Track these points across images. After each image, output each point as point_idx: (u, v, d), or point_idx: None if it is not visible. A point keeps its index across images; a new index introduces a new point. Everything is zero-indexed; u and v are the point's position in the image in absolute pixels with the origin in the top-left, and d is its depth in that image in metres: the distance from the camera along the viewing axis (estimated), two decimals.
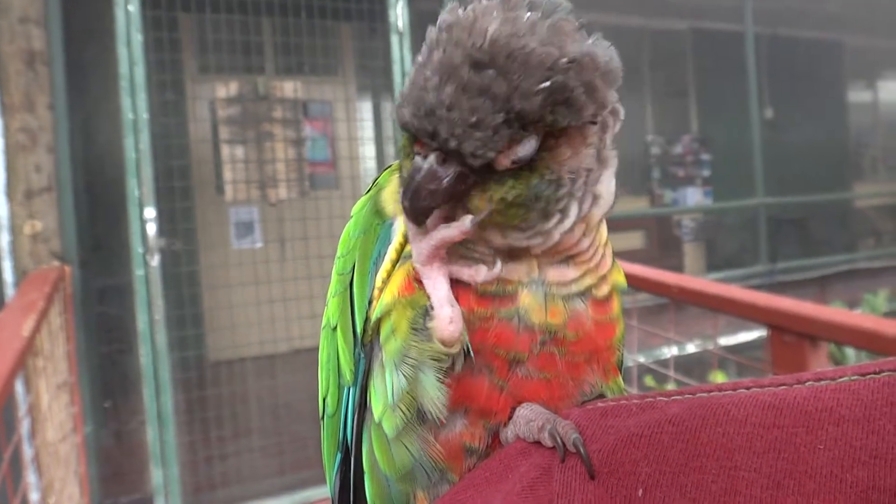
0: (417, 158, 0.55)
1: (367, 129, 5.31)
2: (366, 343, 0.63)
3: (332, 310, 0.68)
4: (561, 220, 0.56)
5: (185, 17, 4.63)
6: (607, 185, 0.60)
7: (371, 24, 4.48)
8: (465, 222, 0.55)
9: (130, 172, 3.49)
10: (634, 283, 2.81)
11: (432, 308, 0.57)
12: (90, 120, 4.33)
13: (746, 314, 2.34)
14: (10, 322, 2.45)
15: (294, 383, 4.67)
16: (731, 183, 8.02)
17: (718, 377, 4.55)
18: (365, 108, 5.67)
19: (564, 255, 0.60)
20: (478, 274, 0.57)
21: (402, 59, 4.14)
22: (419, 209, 0.55)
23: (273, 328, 4.34)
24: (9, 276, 3.46)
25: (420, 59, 0.55)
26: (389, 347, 0.59)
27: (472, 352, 0.57)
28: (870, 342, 1.89)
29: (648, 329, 3.07)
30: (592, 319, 0.60)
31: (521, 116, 0.51)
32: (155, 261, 3.58)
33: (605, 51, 0.54)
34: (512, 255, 0.58)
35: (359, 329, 0.64)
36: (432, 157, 0.54)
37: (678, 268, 7.74)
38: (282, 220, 4.58)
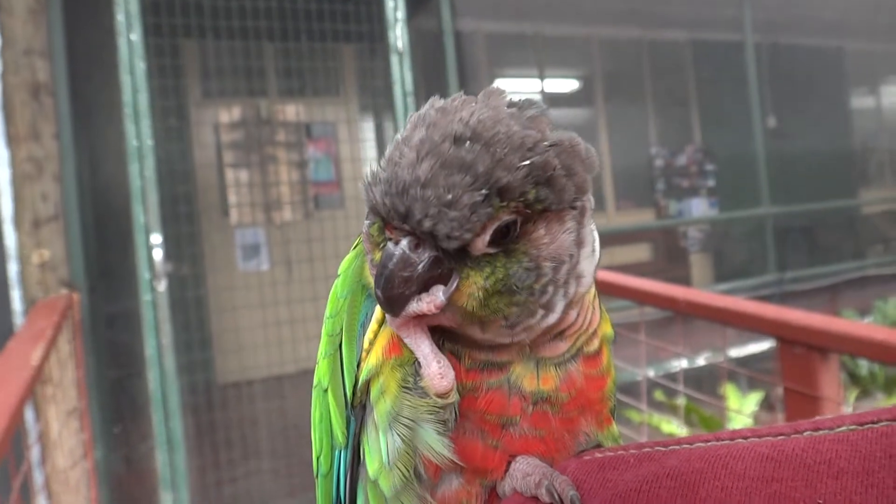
0: (389, 245, 0.53)
1: (369, 149, 5.34)
2: (355, 405, 0.62)
3: (322, 371, 0.68)
4: (545, 316, 0.55)
5: (187, 44, 4.68)
6: (588, 263, 0.58)
7: (371, 45, 4.51)
8: (438, 295, 0.53)
9: (136, 199, 3.51)
10: (642, 297, 2.80)
11: (419, 366, 0.56)
12: (95, 148, 4.36)
13: (755, 327, 2.32)
14: (18, 351, 2.47)
15: (303, 404, 4.63)
16: (736, 193, 8.01)
17: (728, 390, 4.54)
18: (367, 128, 5.70)
19: (554, 333, 0.58)
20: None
21: (402, 78, 4.16)
22: (393, 298, 0.53)
23: (280, 349, 4.34)
24: (18, 306, 3.47)
25: (399, 136, 0.54)
26: (380, 408, 0.58)
27: (458, 414, 0.56)
28: (881, 353, 1.87)
29: (657, 343, 3.05)
30: (584, 375, 0.60)
31: (501, 192, 0.50)
32: (162, 286, 3.59)
33: (581, 140, 0.54)
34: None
35: (348, 392, 0.63)
36: (405, 243, 0.52)
37: (685, 279, 7.71)
38: (287, 242, 4.59)
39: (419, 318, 0.56)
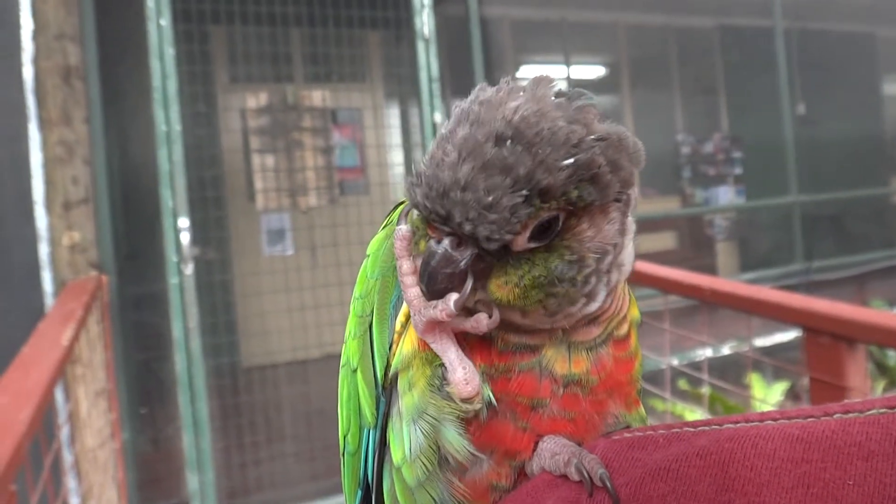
0: (431, 243, 0.54)
1: (395, 136, 5.34)
2: (385, 387, 0.63)
3: (351, 351, 0.68)
4: (587, 304, 0.55)
5: (216, 30, 4.70)
6: (628, 250, 0.58)
7: (397, 31, 4.50)
8: (450, 304, 0.53)
9: (164, 183, 3.55)
10: (666, 286, 2.77)
11: (446, 370, 0.57)
12: (125, 132, 4.41)
13: (781, 316, 2.28)
14: (50, 331, 2.51)
15: (326, 388, 4.68)
16: (763, 180, 7.89)
17: (753, 379, 4.50)
18: (393, 115, 5.70)
19: (589, 318, 0.59)
20: (479, 325, 0.55)
21: (428, 65, 4.16)
22: (437, 293, 0.54)
23: (305, 334, 4.37)
24: (48, 287, 3.53)
25: (443, 131, 0.54)
26: (407, 401, 0.59)
27: (494, 401, 0.57)
28: None
29: (681, 332, 3.03)
30: (614, 358, 0.60)
31: (543, 193, 0.50)
32: (189, 269, 3.64)
33: (629, 134, 0.54)
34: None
35: (379, 374, 0.64)
36: (447, 242, 0.53)
37: (711, 268, 7.64)
38: (312, 228, 4.62)
39: (445, 323, 0.56)
